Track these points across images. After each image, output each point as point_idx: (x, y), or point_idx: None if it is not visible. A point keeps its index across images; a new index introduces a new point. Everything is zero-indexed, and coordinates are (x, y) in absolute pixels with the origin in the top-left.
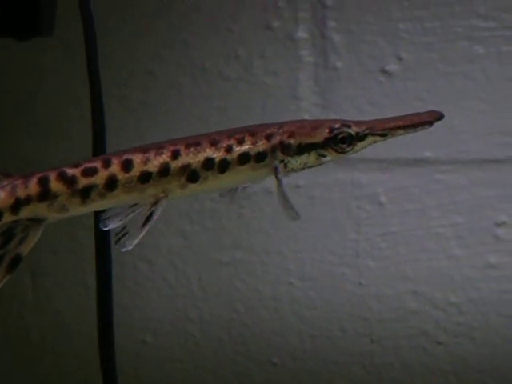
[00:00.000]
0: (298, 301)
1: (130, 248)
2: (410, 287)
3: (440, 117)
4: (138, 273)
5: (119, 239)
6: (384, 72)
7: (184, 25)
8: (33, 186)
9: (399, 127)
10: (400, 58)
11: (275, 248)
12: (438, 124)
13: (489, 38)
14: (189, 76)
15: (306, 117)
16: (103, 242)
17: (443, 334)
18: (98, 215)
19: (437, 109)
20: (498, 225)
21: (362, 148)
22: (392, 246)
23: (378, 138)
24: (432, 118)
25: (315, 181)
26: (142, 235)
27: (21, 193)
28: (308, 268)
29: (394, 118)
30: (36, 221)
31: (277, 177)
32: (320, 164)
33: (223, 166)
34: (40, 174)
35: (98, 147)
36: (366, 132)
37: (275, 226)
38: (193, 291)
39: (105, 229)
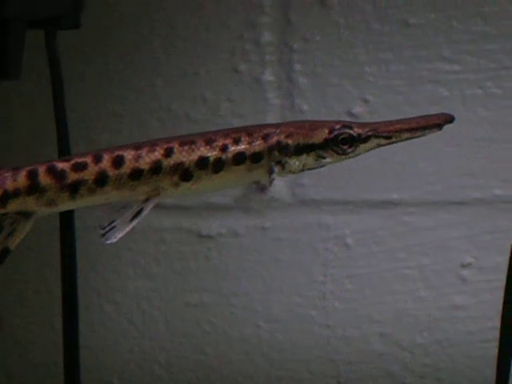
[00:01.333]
0: (265, 343)
1: (115, 241)
2: (377, 329)
3: (450, 119)
4: (105, 315)
5: (105, 232)
6: (350, 114)
7: (151, 67)
8: (21, 179)
9: (405, 130)
10: (366, 101)
11: (242, 290)
12: (404, 166)
13: (453, 80)
14: (156, 118)
15: None
16: (70, 283)
17: (410, 375)
18: (64, 255)
19: (401, 150)
20: (464, 266)
21: (366, 150)
22: (359, 288)
23: (382, 140)
24: (441, 121)
25: (282, 222)
26: (128, 229)
27: (9, 185)
28: (275, 310)
29: (401, 121)
30: (25, 214)
31: (269, 177)
32: (320, 166)
33: (218, 166)
34: (29, 167)
35: None
36: (369, 134)
37: (242, 268)
38: (160, 334)
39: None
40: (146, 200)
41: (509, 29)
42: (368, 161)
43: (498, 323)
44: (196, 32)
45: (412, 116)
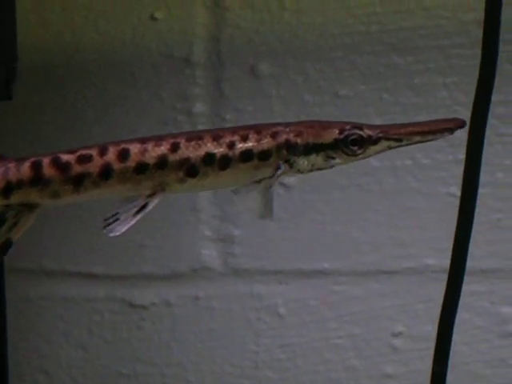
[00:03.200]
0: None
1: (118, 234)
2: None
3: (462, 124)
4: None
5: (109, 224)
6: (282, 184)
7: (84, 136)
8: (25, 170)
9: (416, 133)
10: None
11: (175, 360)
12: (335, 235)
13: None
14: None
15: (205, 229)
16: (1, 353)
17: None
18: None
19: (333, 222)
20: (395, 335)
21: (376, 153)
22: (291, 358)
23: (392, 143)
24: (453, 125)
25: (214, 292)
26: (133, 223)
27: (12, 176)
28: (208, 380)
29: (412, 124)
30: (28, 206)
31: (275, 175)
32: (330, 167)
33: (224, 163)
34: (33, 159)
35: None
36: (380, 136)
37: (175, 338)
38: None
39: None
40: (152, 195)
41: (438, 100)
42: (299, 230)
43: None
44: (129, 102)
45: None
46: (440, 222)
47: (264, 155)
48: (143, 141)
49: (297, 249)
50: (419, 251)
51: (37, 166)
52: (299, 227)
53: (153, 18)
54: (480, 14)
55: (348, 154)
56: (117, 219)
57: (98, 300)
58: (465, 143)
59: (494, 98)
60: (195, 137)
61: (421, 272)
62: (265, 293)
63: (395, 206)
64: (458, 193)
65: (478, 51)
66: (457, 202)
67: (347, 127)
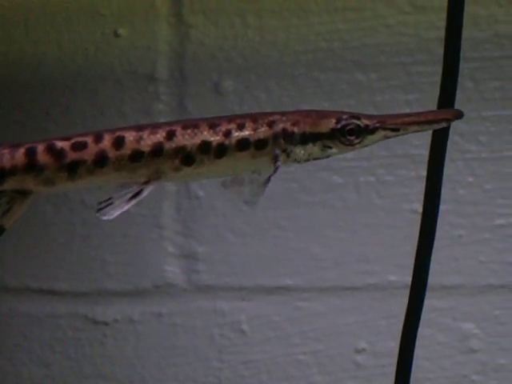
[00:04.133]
0: None
1: (111, 218)
2: None
3: (459, 115)
4: None
5: (102, 208)
6: (245, 201)
7: None
8: (19, 157)
9: (413, 123)
10: None
11: (138, 377)
12: (298, 252)
13: (346, 168)
14: (51, 204)
15: (169, 245)
16: None
17: None
18: None
19: (296, 238)
20: (358, 351)
21: (373, 142)
22: (254, 374)
23: (389, 132)
24: (450, 116)
25: (177, 309)
26: (126, 209)
27: (6, 162)
28: None
29: (409, 114)
30: (22, 193)
31: (274, 165)
32: (326, 156)
33: (220, 151)
34: (28, 145)
35: None
36: (377, 125)
37: (138, 355)
38: None
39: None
40: (147, 182)
41: None
42: (262, 247)
43: None
44: (92, 118)
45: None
46: (403, 238)
47: (261, 144)
48: (139, 128)
49: (260, 265)
50: (382, 267)
51: (31, 153)
52: (262, 244)
53: (116, 35)
54: (441, 32)
55: (345, 144)
56: (110, 203)
57: (60, 317)
58: (427, 160)
59: None
60: (191, 125)
61: (383, 288)
62: (228, 309)
63: (358, 223)
64: (421, 209)
65: (440, 68)
66: (419, 219)
67: (344, 116)
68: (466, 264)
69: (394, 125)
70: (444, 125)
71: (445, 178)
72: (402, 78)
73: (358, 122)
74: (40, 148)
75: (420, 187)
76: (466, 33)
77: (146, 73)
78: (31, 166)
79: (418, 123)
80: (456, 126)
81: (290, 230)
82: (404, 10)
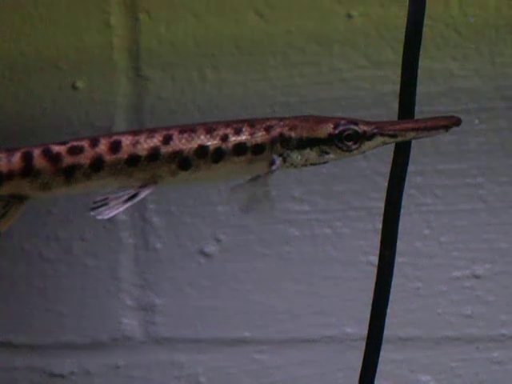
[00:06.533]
0: None
1: (105, 218)
2: None
3: (457, 122)
4: None
5: (97, 207)
6: (203, 253)
7: None
8: (16, 161)
9: (411, 129)
10: (218, 240)
11: None
12: (255, 304)
13: (303, 220)
14: (7, 258)
15: (126, 298)
16: None
17: None
18: None
19: (253, 291)
20: None
21: (371, 148)
22: None
23: (387, 138)
24: (448, 123)
25: (135, 361)
26: (120, 210)
27: (3, 167)
28: None
29: (407, 121)
30: (18, 198)
31: (270, 169)
32: (324, 162)
33: (217, 156)
34: (25, 149)
35: None
36: (375, 131)
37: None
38: None
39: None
40: (143, 186)
41: (356, 170)
42: (219, 299)
43: None
44: None
45: None
46: (359, 290)
47: (258, 149)
48: (135, 133)
49: (217, 317)
50: (339, 320)
51: (28, 157)
52: (220, 296)
53: (74, 88)
54: (396, 86)
55: (343, 150)
56: (105, 204)
57: (17, 370)
58: (383, 212)
59: (411, 168)
60: (188, 129)
61: (340, 340)
62: (185, 361)
63: (315, 275)
64: (377, 262)
65: None
66: (375, 271)
67: (342, 122)
68: (423, 316)
69: (393, 131)
70: (443, 132)
71: (401, 230)
72: None
73: (356, 128)
74: (36, 152)
75: (376, 240)
76: (421, 87)
77: (104, 126)
78: (28, 170)
79: (417, 130)
80: (412, 179)
81: (248, 282)
82: (360, 64)
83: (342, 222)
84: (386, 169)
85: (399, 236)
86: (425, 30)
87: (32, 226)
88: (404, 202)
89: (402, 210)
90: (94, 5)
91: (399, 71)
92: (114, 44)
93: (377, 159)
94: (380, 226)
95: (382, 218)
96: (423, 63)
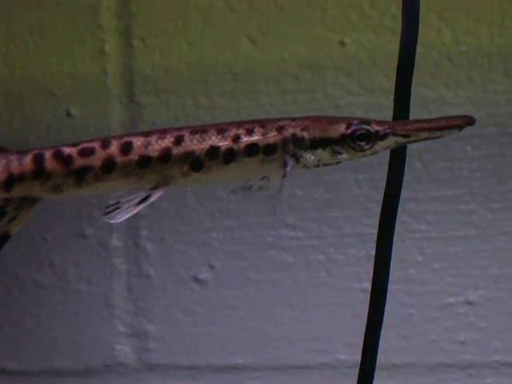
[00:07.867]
0: None
1: (118, 222)
2: None
3: (471, 121)
4: None
5: (110, 212)
6: (196, 280)
7: None
8: (27, 163)
9: (424, 129)
10: (212, 267)
11: None
12: (248, 330)
13: (297, 247)
14: (1, 284)
15: (119, 324)
16: None
17: None
18: None
19: (247, 317)
20: None
21: (384, 148)
22: None
23: (400, 138)
24: (461, 122)
25: None
26: (133, 213)
27: (14, 169)
28: None
29: (420, 120)
30: (29, 200)
31: (284, 171)
32: (337, 162)
33: (229, 156)
34: (36, 151)
35: None
36: (388, 131)
37: None
38: None
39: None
40: (155, 187)
41: (349, 197)
42: (213, 326)
43: None
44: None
45: None
46: (353, 317)
47: (270, 149)
48: (147, 134)
49: (211, 344)
50: (332, 346)
51: (39, 159)
52: (213, 323)
53: (68, 114)
54: (390, 113)
55: (356, 150)
56: (118, 207)
57: None
58: (376, 239)
59: (404, 194)
60: (199, 130)
61: (334, 367)
62: None
63: (308, 301)
64: (370, 288)
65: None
66: (369, 298)
67: (355, 122)
68: (416, 343)
69: (406, 131)
70: (456, 131)
71: (394, 257)
72: None
73: (369, 128)
74: (47, 154)
75: (369, 266)
76: (414, 114)
77: None
78: (39, 172)
79: (430, 129)
80: (405, 205)
81: (241, 308)
82: (353, 91)
83: (335, 248)
84: (379, 195)
85: (392, 262)
86: (417, 57)
87: (26, 252)
88: (397, 229)
89: (395, 237)
90: (89, 32)
91: (392, 98)
92: (109, 70)
93: (370, 186)
94: (373, 252)
95: (375, 244)
96: (416, 90)
